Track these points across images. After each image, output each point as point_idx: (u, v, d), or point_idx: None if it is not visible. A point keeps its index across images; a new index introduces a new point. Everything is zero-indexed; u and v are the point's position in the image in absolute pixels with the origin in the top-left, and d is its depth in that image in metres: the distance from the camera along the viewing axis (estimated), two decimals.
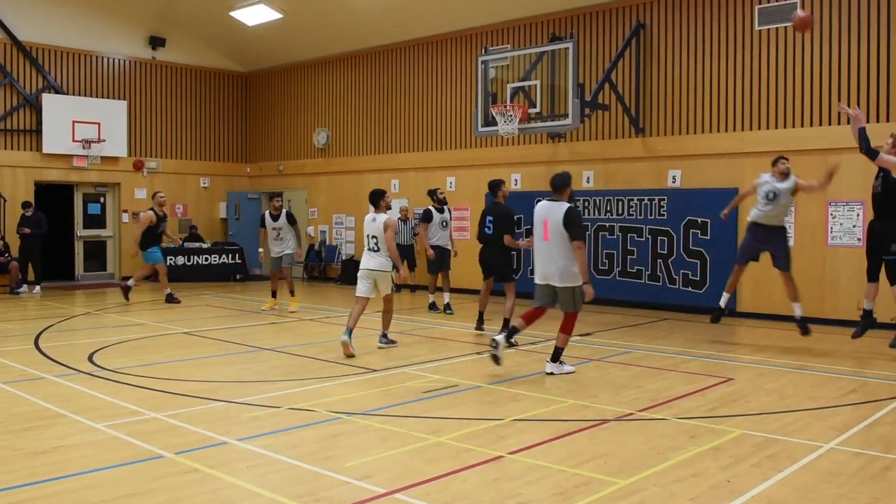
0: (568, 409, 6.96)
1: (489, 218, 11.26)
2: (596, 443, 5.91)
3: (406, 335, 11.16)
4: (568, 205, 8.35)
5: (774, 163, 10.33)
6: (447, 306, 13.64)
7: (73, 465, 5.31)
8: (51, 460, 5.43)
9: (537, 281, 8.60)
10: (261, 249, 14.42)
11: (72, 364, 8.91)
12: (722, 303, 10.75)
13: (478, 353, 9.78)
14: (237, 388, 7.76)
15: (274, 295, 14.55)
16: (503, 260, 11.28)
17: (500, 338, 8.43)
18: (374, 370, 8.69)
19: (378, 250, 9.81)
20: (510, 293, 11.06)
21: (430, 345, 10.53)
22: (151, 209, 14.97)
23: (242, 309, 14.46)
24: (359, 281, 9.94)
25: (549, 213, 8.36)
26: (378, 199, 9.98)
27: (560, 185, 8.47)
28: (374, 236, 9.81)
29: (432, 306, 13.72)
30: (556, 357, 8.53)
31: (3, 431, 6.16)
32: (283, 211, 14.04)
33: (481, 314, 11.76)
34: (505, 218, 11.17)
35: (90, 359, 9.26)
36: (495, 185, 11.43)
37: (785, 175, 10.20)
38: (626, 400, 7.30)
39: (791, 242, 10.22)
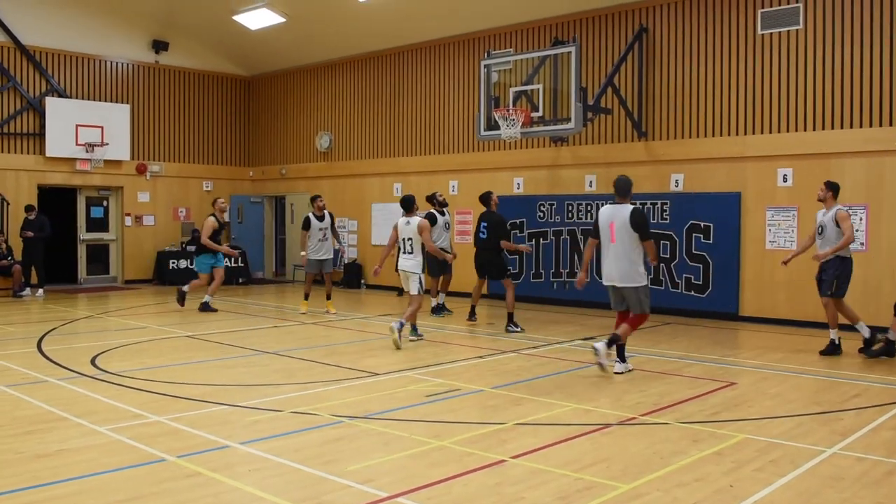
0: (570, 413, 6.95)
1: (483, 224, 12.44)
2: (598, 447, 5.91)
3: (407, 339, 11.15)
4: (633, 206, 8.67)
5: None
6: (443, 306, 13.74)
7: (75, 469, 5.30)
8: (53, 464, 5.43)
9: (605, 283, 8.92)
10: (304, 252, 14.23)
11: (74, 367, 8.92)
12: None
13: (480, 357, 9.78)
14: (239, 392, 7.76)
15: (307, 297, 14.48)
16: (498, 261, 12.38)
17: (601, 346, 8.56)
18: (377, 374, 8.68)
19: (412, 252, 10.78)
20: (510, 288, 12.17)
21: (432, 348, 10.52)
22: (213, 215, 14.29)
23: (246, 312, 14.46)
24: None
25: (615, 216, 8.71)
26: (411, 204, 10.81)
27: (624, 189, 8.80)
28: (409, 239, 10.76)
29: (435, 309, 13.72)
30: (621, 355, 8.77)
31: (5, 435, 6.17)
32: (326, 211, 14.31)
33: (473, 307, 13.08)
34: (498, 224, 12.33)
35: (93, 362, 9.26)
36: (486, 197, 12.70)
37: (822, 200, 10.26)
38: (629, 404, 7.29)
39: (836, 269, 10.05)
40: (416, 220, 10.75)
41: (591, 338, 11.29)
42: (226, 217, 14.66)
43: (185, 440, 6.01)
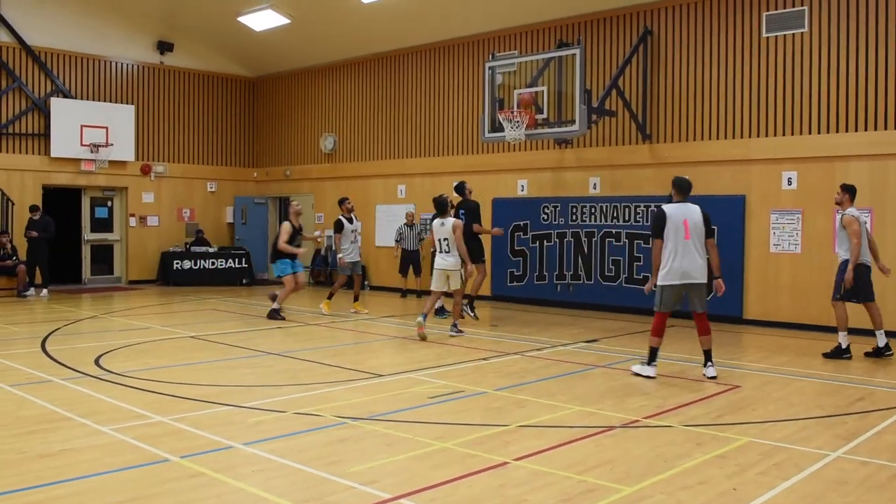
0: (574, 416, 6.94)
1: (461, 210, 12.89)
2: (602, 449, 5.90)
3: (411, 341, 11.18)
4: (697, 205, 8.85)
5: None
6: (443, 308, 13.73)
7: (78, 469, 5.31)
8: (56, 463, 5.43)
9: (674, 281, 8.65)
10: (340, 255, 14.21)
11: (78, 367, 8.93)
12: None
13: (483, 360, 9.78)
14: (242, 393, 7.76)
15: (331, 297, 14.51)
16: (473, 245, 12.52)
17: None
18: (381, 375, 8.69)
19: (449, 251, 11.39)
20: (482, 274, 12.89)
21: (436, 350, 10.52)
22: (288, 219, 13.86)
23: (249, 313, 14.46)
24: (434, 277, 11.63)
25: (686, 213, 8.70)
26: (445, 206, 11.49)
27: (688, 188, 8.94)
28: (444, 239, 11.39)
29: (438, 311, 13.71)
30: (709, 358, 8.85)
31: (8, 434, 6.17)
32: (353, 214, 14.60)
33: (471, 300, 13.15)
34: (472, 211, 12.91)
35: (97, 362, 9.28)
36: (461, 186, 13.36)
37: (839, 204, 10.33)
38: (633, 407, 7.28)
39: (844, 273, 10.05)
40: (450, 220, 11.45)
41: (594, 340, 11.30)
42: (300, 221, 14.10)
43: (188, 440, 6.01)
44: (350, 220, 14.31)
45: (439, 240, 11.48)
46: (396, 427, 6.45)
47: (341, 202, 14.55)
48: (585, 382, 8.47)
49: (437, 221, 11.57)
